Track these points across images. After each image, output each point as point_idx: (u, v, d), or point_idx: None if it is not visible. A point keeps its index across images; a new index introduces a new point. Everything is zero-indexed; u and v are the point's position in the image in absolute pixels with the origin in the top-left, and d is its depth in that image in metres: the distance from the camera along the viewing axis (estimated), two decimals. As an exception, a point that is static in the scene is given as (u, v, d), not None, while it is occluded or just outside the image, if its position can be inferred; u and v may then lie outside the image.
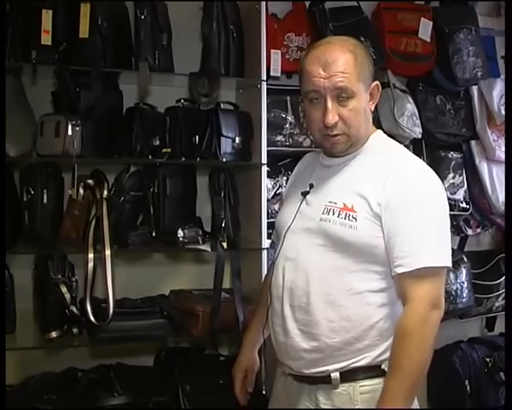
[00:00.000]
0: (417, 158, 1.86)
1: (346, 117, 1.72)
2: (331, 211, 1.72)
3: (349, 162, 1.79)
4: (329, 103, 1.71)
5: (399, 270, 1.66)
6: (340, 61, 1.71)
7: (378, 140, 1.84)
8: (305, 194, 1.83)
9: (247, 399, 2.09)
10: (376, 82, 1.81)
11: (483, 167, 3.29)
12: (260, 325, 1.98)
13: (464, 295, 3.18)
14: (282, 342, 1.79)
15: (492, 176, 3.29)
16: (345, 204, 1.71)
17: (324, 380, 1.73)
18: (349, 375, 1.72)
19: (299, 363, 1.77)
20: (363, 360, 1.72)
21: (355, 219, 1.69)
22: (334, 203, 1.73)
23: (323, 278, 1.72)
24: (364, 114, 1.77)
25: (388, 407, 1.62)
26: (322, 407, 1.74)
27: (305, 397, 1.78)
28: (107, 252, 2.37)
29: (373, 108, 1.81)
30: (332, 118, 1.71)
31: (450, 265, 1.71)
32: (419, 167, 1.78)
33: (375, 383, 1.71)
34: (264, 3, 2.68)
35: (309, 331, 1.73)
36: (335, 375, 1.72)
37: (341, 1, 3.05)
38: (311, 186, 1.83)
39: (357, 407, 1.71)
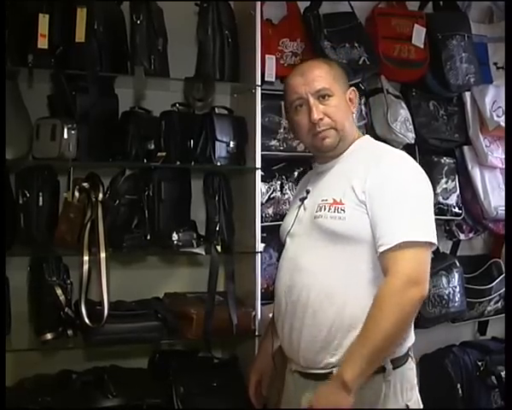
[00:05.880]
0: (399, 150, 2.03)
1: (329, 112, 1.89)
2: (323, 208, 1.83)
3: (337, 163, 1.93)
4: (312, 102, 1.87)
5: (381, 249, 1.73)
6: (316, 69, 1.93)
7: (364, 142, 1.98)
8: (302, 199, 1.96)
9: (261, 402, 2.15)
10: (352, 88, 1.99)
11: (475, 173, 3.30)
12: (275, 330, 2.05)
13: (456, 299, 3.20)
14: (286, 337, 1.89)
15: (485, 181, 3.29)
16: (334, 199, 1.81)
17: (326, 377, 1.79)
18: None
19: (303, 356, 1.84)
20: None
21: (343, 210, 1.79)
22: (326, 200, 1.83)
23: (319, 272, 1.80)
24: (346, 111, 1.93)
25: (349, 366, 1.68)
26: None
27: (310, 392, 1.83)
28: (102, 255, 2.37)
29: (354, 111, 1.99)
30: (317, 114, 1.86)
31: (431, 240, 1.75)
32: (397, 155, 1.92)
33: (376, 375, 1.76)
34: (259, 9, 2.70)
35: (309, 324, 1.81)
36: (337, 370, 1.76)
37: (337, 1, 3.08)
38: (308, 192, 1.96)
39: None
